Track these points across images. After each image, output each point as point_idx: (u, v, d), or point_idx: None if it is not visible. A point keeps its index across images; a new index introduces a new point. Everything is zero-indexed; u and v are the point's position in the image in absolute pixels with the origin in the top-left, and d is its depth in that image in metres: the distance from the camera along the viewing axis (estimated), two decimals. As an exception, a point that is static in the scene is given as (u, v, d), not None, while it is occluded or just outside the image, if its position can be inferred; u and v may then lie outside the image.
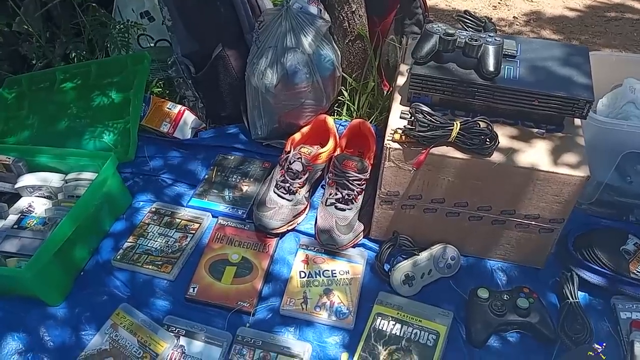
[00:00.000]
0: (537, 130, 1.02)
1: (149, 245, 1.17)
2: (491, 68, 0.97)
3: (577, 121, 1.04)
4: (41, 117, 1.48)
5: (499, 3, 2.25)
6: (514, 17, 2.16)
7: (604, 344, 0.92)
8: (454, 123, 0.95)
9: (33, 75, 1.53)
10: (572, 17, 2.14)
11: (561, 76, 1.00)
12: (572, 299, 1.03)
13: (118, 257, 1.15)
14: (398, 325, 1.01)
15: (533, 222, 1.03)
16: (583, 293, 1.06)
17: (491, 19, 1.84)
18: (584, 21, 2.10)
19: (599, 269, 1.05)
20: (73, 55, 1.50)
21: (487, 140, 0.95)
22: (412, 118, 0.96)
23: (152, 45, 1.61)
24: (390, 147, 0.98)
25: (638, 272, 1.05)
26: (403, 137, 0.97)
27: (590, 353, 0.91)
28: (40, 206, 1.21)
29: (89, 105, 1.46)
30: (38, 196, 1.24)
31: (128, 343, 1.01)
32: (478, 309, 1.01)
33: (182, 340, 1.02)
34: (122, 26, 1.48)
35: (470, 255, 1.13)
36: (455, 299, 1.07)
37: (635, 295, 1.03)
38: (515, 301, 1.01)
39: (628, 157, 1.10)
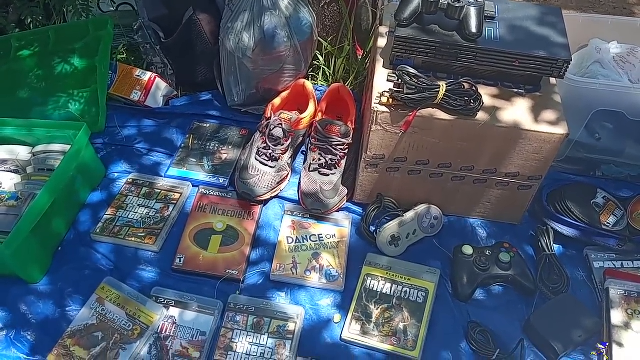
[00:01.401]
0: (516, 90, 1.04)
1: (129, 217, 1.14)
2: (474, 29, 0.98)
3: (553, 81, 1.07)
4: (-2, 87, 1.39)
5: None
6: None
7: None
8: (440, 85, 0.97)
9: (-16, 42, 1.43)
10: (532, -21, 2.17)
11: (539, 36, 1.03)
12: (549, 251, 1.08)
13: (98, 230, 1.11)
14: (388, 285, 1.03)
15: (513, 180, 1.07)
16: (558, 245, 1.12)
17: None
18: (543, -17, 2.14)
19: (572, 221, 1.10)
20: (29, 21, 1.40)
21: (472, 101, 0.97)
22: (400, 80, 0.97)
23: (113, 9, 1.52)
24: (377, 110, 0.98)
25: (608, 223, 1.11)
26: (390, 100, 0.97)
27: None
28: (8, 181, 1.15)
29: (50, 73, 1.38)
30: (4, 171, 1.17)
31: (116, 317, 0.99)
32: (463, 265, 1.05)
33: (172, 311, 1.01)
34: (81, -11, 1.39)
35: (452, 215, 1.17)
36: (439, 256, 1.10)
37: (607, 245, 1.09)
38: (498, 256, 1.05)
39: (597, 115, 1.15)
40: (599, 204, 1.14)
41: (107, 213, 1.14)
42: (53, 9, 1.45)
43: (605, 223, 1.11)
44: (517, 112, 1.00)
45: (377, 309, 1.00)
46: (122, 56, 1.51)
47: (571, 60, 0.99)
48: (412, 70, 0.97)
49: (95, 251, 1.10)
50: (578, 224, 1.10)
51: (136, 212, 1.14)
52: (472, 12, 0.99)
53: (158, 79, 1.36)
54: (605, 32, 1.29)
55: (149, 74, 1.35)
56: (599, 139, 1.21)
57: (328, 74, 1.40)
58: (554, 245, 1.10)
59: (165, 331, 0.98)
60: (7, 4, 1.43)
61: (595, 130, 1.21)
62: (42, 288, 1.04)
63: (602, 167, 1.25)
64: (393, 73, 1.00)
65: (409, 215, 1.10)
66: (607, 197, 1.16)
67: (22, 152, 1.18)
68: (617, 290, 1.00)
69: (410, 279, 1.04)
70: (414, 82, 0.96)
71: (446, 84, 0.97)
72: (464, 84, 0.98)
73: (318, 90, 1.36)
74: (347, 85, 1.38)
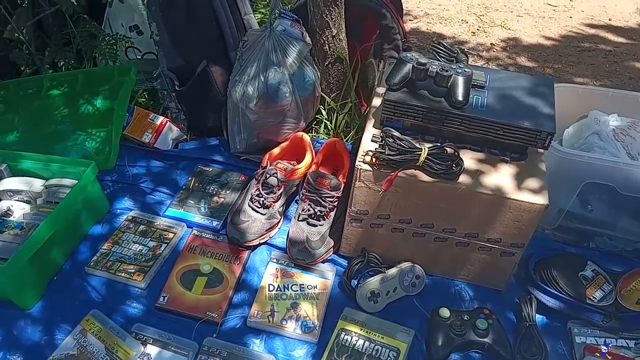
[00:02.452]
0: (502, 157, 1.06)
1: (123, 252, 1.19)
2: (460, 97, 1.02)
3: (541, 150, 1.09)
4: (27, 122, 1.50)
5: (478, 29, 2.33)
6: (491, 43, 2.23)
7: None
8: (422, 148, 1.00)
9: (21, 81, 1.56)
10: (548, 46, 2.21)
11: (526, 107, 1.05)
12: (530, 321, 1.06)
13: (92, 263, 1.17)
14: (361, 341, 1.04)
15: (495, 246, 1.07)
16: (541, 316, 1.10)
17: (463, 49, 1.90)
18: (558, 50, 2.18)
19: (557, 293, 1.09)
20: (61, 63, 1.54)
21: (454, 165, 1.00)
22: (383, 142, 1.01)
23: (139, 57, 1.64)
24: (360, 168, 1.02)
25: (594, 297, 1.09)
26: (374, 159, 1.01)
27: None
28: (18, 210, 1.23)
29: (74, 112, 1.49)
30: (17, 200, 1.26)
31: (95, 349, 1.03)
32: (439, 328, 1.04)
33: (150, 349, 1.04)
34: (110, 38, 1.52)
35: (437, 276, 1.17)
36: (418, 316, 1.10)
37: (591, 319, 1.07)
38: (475, 322, 1.04)
39: (589, 186, 1.15)
40: (586, 276, 1.13)
41: (103, 247, 1.20)
42: (84, 55, 1.58)
43: (591, 297, 1.09)
44: (500, 179, 1.02)
45: (347, 365, 1.01)
46: (142, 99, 1.61)
47: (554, 133, 1.00)
48: (395, 133, 1.01)
49: (87, 283, 1.15)
50: (562, 295, 1.08)
51: (130, 248, 1.20)
52: (460, 81, 1.03)
53: (169, 123, 1.45)
54: (606, 104, 1.30)
55: (161, 118, 1.44)
56: (591, 211, 1.20)
57: (330, 128, 1.45)
58: (538, 315, 1.09)
59: (140, 368, 1.02)
60: (43, 48, 1.57)
61: (588, 201, 1.20)
62: (33, 314, 1.09)
63: (595, 239, 1.24)
64: (378, 134, 1.04)
65: (391, 272, 1.11)
66: (596, 271, 1.14)
67: (36, 184, 1.26)
68: (593, 368, 0.98)
69: (384, 337, 1.04)
70: (396, 144, 1.00)
71: (429, 148, 1.00)
72: (446, 148, 1.01)
73: (319, 143, 1.41)
74: (348, 139, 1.43)
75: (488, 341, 1.03)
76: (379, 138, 1.03)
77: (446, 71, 1.03)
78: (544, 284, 1.10)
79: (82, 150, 1.42)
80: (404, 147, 1.00)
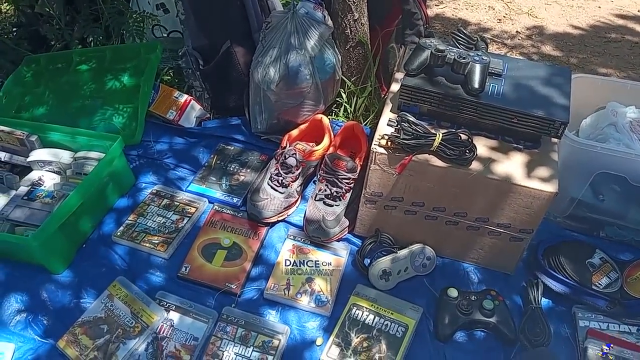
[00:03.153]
0: (515, 145, 1.09)
1: (147, 224, 1.25)
2: (476, 85, 1.04)
3: (555, 139, 1.11)
4: (56, 95, 1.56)
5: (505, 16, 2.31)
6: (517, 31, 2.22)
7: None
8: (437, 133, 1.03)
9: (51, 55, 1.62)
10: (574, 35, 2.19)
11: (541, 96, 1.07)
12: (535, 304, 1.10)
13: (118, 233, 1.23)
14: (371, 316, 1.09)
15: (504, 231, 1.11)
16: (547, 300, 1.14)
17: (484, 37, 1.90)
18: (584, 40, 2.16)
19: (563, 278, 1.12)
20: (90, 39, 1.58)
21: (467, 151, 1.03)
22: (398, 126, 1.04)
23: (165, 35, 1.68)
24: (376, 152, 1.05)
25: (599, 284, 1.12)
26: (389, 143, 1.04)
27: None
28: (49, 180, 1.30)
29: (102, 88, 1.54)
30: (48, 171, 1.32)
31: (122, 313, 1.10)
32: (446, 306, 1.09)
33: (172, 315, 1.10)
34: (138, 16, 1.56)
35: (447, 257, 1.21)
36: (427, 295, 1.14)
37: (596, 305, 1.10)
38: (482, 302, 1.08)
39: (601, 176, 1.17)
40: (594, 264, 1.16)
41: (129, 218, 1.26)
42: (112, 31, 1.63)
43: (597, 284, 1.12)
44: (512, 166, 1.04)
45: (357, 338, 1.06)
46: (168, 77, 1.66)
47: (568, 122, 1.03)
48: (411, 118, 1.04)
49: (113, 252, 1.21)
50: (568, 281, 1.11)
51: (154, 221, 1.26)
52: (477, 68, 1.05)
53: (193, 102, 1.49)
54: (624, 96, 1.30)
55: (185, 96, 1.49)
56: (602, 200, 1.22)
57: (349, 111, 1.49)
58: (544, 299, 1.12)
59: (163, 332, 1.08)
60: (73, 23, 1.62)
61: (600, 191, 1.22)
62: (63, 279, 1.16)
63: (605, 228, 1.26)
64: (395, 119, 1.07)
65: (403, 252, 1.16)
66: (604, 259, 1.17)
67: (65, 156, 1.32)
68: (595, 351, 1.01)
69: (393, 313, 1.09)
70: (412, 129, 1.03)
71: (443, 133, 1.03)
72: (460, 134, 1.04)
73: (338, 126, 1.45)
74: (367, 123, 1.46)
75: (493, 321, 1.07)
76: (394, 122, 1.06)
77: (463, 58, 1.05)
78: (552, 269, 1.14)
79: (109, 125, 1.48)
80: (418, 131, 1.03)
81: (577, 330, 1.09)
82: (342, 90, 1.47)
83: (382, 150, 1.05)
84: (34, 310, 1.11)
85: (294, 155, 1.26)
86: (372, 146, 1.06)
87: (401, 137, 1.03)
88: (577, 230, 1.28)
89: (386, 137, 1.05)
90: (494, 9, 2.36)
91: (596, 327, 1.09)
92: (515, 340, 1.06)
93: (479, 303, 1.09)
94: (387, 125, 1.07)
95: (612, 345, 1.02)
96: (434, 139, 1.02)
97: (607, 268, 1.15)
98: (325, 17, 1.31)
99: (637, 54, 2.05)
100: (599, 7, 2.42)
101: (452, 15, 2.32)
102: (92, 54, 1.60)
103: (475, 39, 1.17)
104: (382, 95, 1.52)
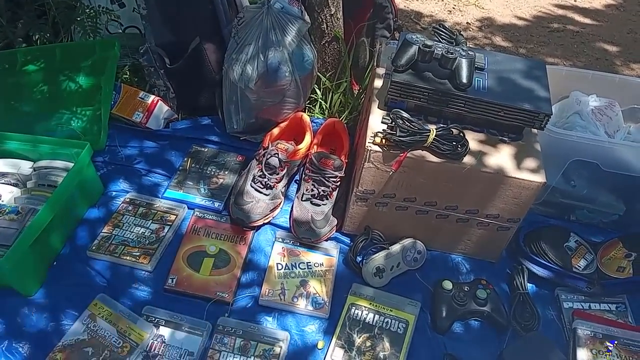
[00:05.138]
0: (501, 137, 1.12)
1: (125, 235, 1.18)
2: (464, 80, 1.05)
3: (534, 130, 1.15)
4: (2, 100, 1.42)
5: (454, 8, 2.37)
6: (467, 22, 2.29)
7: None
8: (431, 130, 1.03)
9: (-9, 55, 1.47)
10: (520, 26, 2.29)
11: (524, 89, 1.10)
12: (522, 289, 1.14)
13: (94, 247, 1.15)
14: (371, 315, 1.09)
15: (493, 221, 1.14)
16: (531, 284, 1.19)
17: (445, 21, 1.94)
18: (530, 31, 2.26)
19: (546, 263, 1.17)
20: (36, 37, 1.45)
21: (459, 146, 1.04)
22: (393, 123, 1.03)
23: (120, 31, 1.58)
24: (371, 150, 1.04)
25: (579, 266, 1.18)
26: (383, 140, 1.04)
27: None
28: (7, 194, 1.18)
29: (55, 89, 1.43)
30: (4, 183, 1.21)
31: (107, 333, 1.02)
32: (443, 299, 1.10)
33: (162, 330, 1.04)
34: (91, 11, 1.45)
35: (435, 250, 1.23)
36: (420, 289, 1.16)
37: (576, 287, 1.16)
38: (475, 292, 1.11)
39: (574, 164, 1.23)
40: (571, 247, 1.22)
41: (103, 231, 1.18)
42: (61, 28, 1.50)
43: (576, 266, 1.18)
44: (501, 158, 1.07)
45: (359, 338, 1.05)
46: (126, 76, 1.56)
47: (551, 114, 1.06)
48: (405, 115, 1.04)
49: (90, 268, 1.13)
50: (551, 265, 1.16)
51: (132, 232, 1.18)
52: (464, 63, 1.06)
53: (160, 102, 1.41)
54: (585, 85, 1.37)
55: (151, 96, 1.40)
56: (574, 186, 1.29)
57: (324, 108, 1.47)
58: (528, 284, 1.17)
59: (154, 350, 1.02)
60: (15, 20, 1.47)
61: (572, 177, 1.29)
62: (37, 301, 1.07)
63: (576, 211, 1.33)
64: (387, 115, 1.06)
65: (395, 248, 1.16)
66: (579, 241, 1.23)
67: (24, 167, 1.21)
68: (583, 331, 1.07)
69: (392, 310, 1.09)
70: (407, 125, 1.03)
71: (436, 129, 1.04)
72: (452, 129, 1.05)
73: (314, 122, 1.42)
74: (342, 119, 1.45)
75: (487, 309, 1.10)
76: (388, 120, 1.05)
77: (451, 54, 1.06)
78: (535, 255, 1.18)
79: (68, 130, 1.37)
80: (413, 128, 1.03)
81: (562, 312, 1.14)
82: (317, 86, 1.45)
83: (376, 147, 1.05)
84: (8, 337, 1.01)
85: (277, 155, 1.22)
86: (367, 144, 1.05)
87: (397, 134, 1.02)
88: (549, 215, 1.34)
89: (380, 134, 1.04)
90: (442, 1, 2.42)
91: (579, 307, 1.15)
92: (507, 327, 1.10)
93: (472, 293, 1.11)
94: (382, 122, 1.06)
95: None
96: (429, 135, 1.03)
97: (582, 250, 1.22)
98: (302, 12, 1.28)
99: (579, 43, 2.17)
100: (539, -3, 2.54)
101: (405, 7, 2.35)
102: (39, 52, 1.46)
103: (455, 33, 1.18)
104: (353, 91, 1.51)
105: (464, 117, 1.11)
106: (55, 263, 1.14)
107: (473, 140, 1.09)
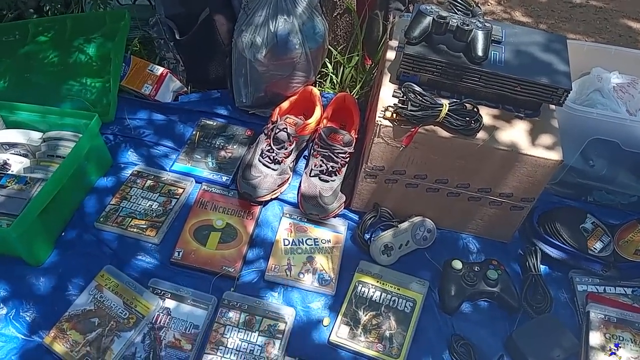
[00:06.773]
0: (516, 113, 1.08)
1: (132, 208, 1.17)
2: (480, 53, 1.01)
3: (552, 106, 1.11)
4: (13, 70, 1.42)
5: (473, -19, 2.29)
6: (486, -4, 2.22)
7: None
8: (443, 104, 1.00)
9: (3, 26, 1.46)
10: (541, 1, 2.21)
11: (542, 63, 1.06)
12: (535, 271, 1.12)
13: (101, 219, 1.15)
14: (378, 293, 1.07)
15: (506, 200, 1.10)
16: (544, 266, 1.16)
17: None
18: (551, 6, 2.18)
19: (560, 244, 1.14)
20: (47, 8, 1.44)
21: (473, 121, 1.01)
22: (404, 97, 1.00)
23: (130, 3, 1.56)
24: (381, 124, 1.01)
25: (594, 248, 1.15)
26: (394, 115, 1.01)
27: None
28: (16, 164, 1.18)
29: (65, 60, 1.41)
30: (14, 153, 1.21)
31: (113, 304, 1.03)
32: (452, 279, 1.08)
33: (168, 303, 1.04)
34: (102, -19, 1.43)
35: (446, 229, 1.20)
36: (429, 268, 1.14)
37: (592, 269, 1.13)
38: (486, 272, 1.09)
39: (593, 142, 1.18)
40: (587, 229, 1.18)
41: (111, 202, 1.18)
42: (72, -1, 1.49)
43: (592, 248, 1.14)
44: (516, 135, 1.03)
45: (365, 315, 1.04)
46: (135, 49, 1.54)
47: (571, 89, 1.02)
48: (417, 88, 1.00)
49: (97, 239, 1.13)
50: (565, 247, 1.13)
51: (139, 204, 1.18)
52: (480, 36, 1.02)
53: (169, 75, 1.39)
54: (608, 61, 1.32)
55: (161, 69, 1.39)
56: (592, 166, 1.24)
57: (335, 82, 1.43)
58: (541, 265, 1.14)
59: (160, 322, 1.02)
60: (27, -10, 1.46)
61: (590, 157, 1.24)
62: (44, 271, 1.07)
63: (593, 192, 1.29)
64: (399, 89, 1.03)
65: (404, 226, 1.14)
66: (595, 223, 1.19)
67: (34, 137, 1.21)
68: (597, 314, 1.04)
69: (400, 289, 1.07)
70: (419, 99, 1.00)
71: (449, 104, 1.01)
72: (466, 104, 1.02)
73: (324, 97, 1.39)
74: (353, 94, 1.41)
75: (497, 290, 1.07)
76: (400, 93, 1.02)
77: (467, 25, 1.02)
78: (549, 236, 1.15)
79: (78, 102, 1.36)
80: (425, 102, 1.00)
81: (575, 294, 1.11)
82: (328, 60, 1.41)
83: (387, 122, 1.01)
84: (15, 305, 1.02)
85: (286, 130, 1.20)
86: (377, 119, 1.02)
87: (408, 108, 0.99)
88: (565, 196, 1.30)
89: (391, 109, 1.01)
90: (461, -26, 2.34)
91: (594, 290, 1.11)
92: (518, 308, 1.07)
93: (482, 273, 1.09)
94: (393, 96, 1.03)
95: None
96: (441, 110, 1.00)
97: (599, 232, 1.18)
98: (313, -18, 1.24)
99: (602, 19, 2.09)
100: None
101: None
102: (50, 23, 1.45)
103: (472, 5, 1.13)
104: (366, 65, 1.47)
105: (478, 92, 1.07)
106: (63, 234, 1.14)
107: (487, 115, 1.06)
